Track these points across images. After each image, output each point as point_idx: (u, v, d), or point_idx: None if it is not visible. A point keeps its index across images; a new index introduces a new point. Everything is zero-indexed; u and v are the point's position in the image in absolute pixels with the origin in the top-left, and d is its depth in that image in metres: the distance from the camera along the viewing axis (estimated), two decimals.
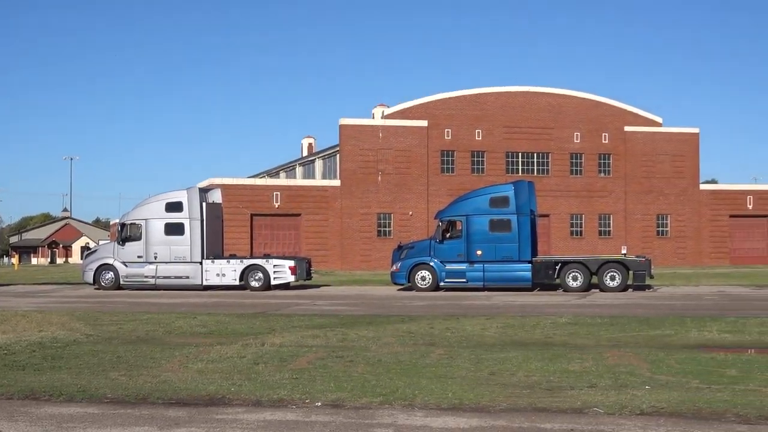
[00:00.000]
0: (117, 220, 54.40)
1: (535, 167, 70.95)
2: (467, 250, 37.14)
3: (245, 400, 11.85)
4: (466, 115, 69.31)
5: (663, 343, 17.75)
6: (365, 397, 11.85)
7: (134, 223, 40.25)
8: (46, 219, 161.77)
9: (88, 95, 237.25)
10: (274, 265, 39.16)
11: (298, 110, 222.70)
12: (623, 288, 36.13)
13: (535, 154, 71.09)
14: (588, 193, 71.92)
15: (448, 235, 37.82)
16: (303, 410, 11.22)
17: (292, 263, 39.43)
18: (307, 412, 11.12)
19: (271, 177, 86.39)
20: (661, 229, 73.46)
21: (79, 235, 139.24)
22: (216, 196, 42.79)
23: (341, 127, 67.32)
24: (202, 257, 39.50)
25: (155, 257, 39.47)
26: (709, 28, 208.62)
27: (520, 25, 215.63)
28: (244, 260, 40.27)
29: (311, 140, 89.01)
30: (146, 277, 39.54)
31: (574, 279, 36.36)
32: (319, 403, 11.57)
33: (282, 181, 74.54)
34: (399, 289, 38.45)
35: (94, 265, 40.51)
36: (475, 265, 37.03)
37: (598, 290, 36.28)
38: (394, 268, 38.39)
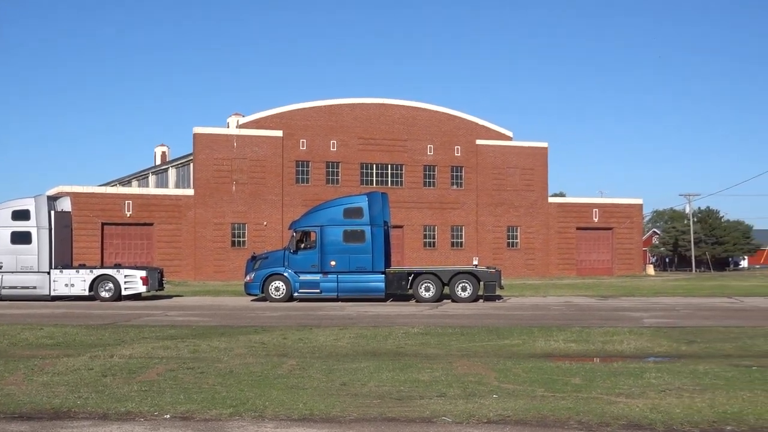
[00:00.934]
0: None
1: (390, 179, 71.59)
2: (321, 261, 37.22)
3: (91, 414, 11.60)
4: (322, 125, 69.51)
5: (511, 353, 18.11)
6: (215, 408, 11.76)
7: None
8: None
9: None
10: (126, 276, 38.42)
11: (152, 118, 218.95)
12: (474, 298, 36.74)
13: (390, 166, 71.72)
14: (441, 204, 72.95)
15: (302, 245, 37.82)
16: (151, 423, 11.05)
17: (143, 273, 38.77)
18: (155, 425, 10.96)
19: (123, 186, 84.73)
20: (511, 240, 75.06)
21: None
22: (65, 205, 41.80)
23: (195, 135, 66.60)
24: (50, 267, 38.46)
25: (0, 267, 38.26)
26: (557, 46, 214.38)
27: (375, 37, 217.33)
28: (94, 270, 39.37)
29: (165, 149, 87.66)
30: None
31: (427, 290, 36.79)
32: (168, 416, 11.42)
33: (134, 189, 73.17)
34: (253, 300, 38.23)
35: None
36: (329, 276, 37.12)
37: (450, 300, 36.79)
38: (248, 278, 38.17)
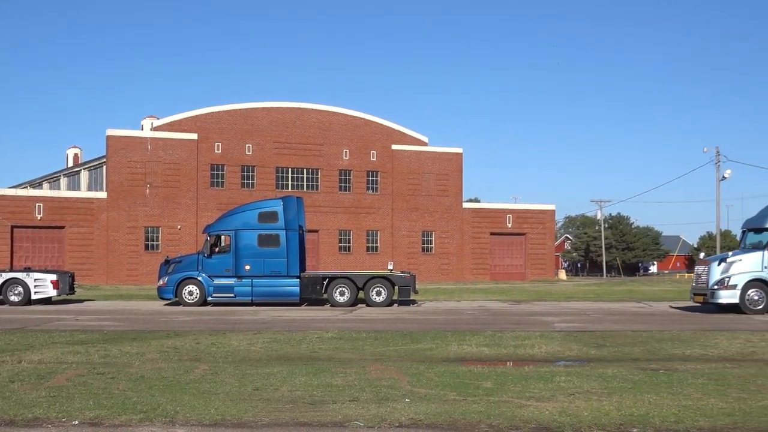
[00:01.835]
0: None
1: (305, 183, 71.51)
2: (236, 265, 37.00)
3: None
4: (237, 129, 69.17)
5: (424, 357, 18.21)
6: (125, 414, 11.62)
7: None
8: None
9: None
10: (35, 279, 37.71)
11: (64, 120, 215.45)
12: (389, 303, 36.83)
13: (305, 170, 71.65)
14: (356, 209, 73.08)
15: (216, 249, 37.56)
16: (59, 429, 10.89)
17: (54, 277, 38.10)
18: (63, 431, 10.81)
19: (33, 188, 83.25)
20: (426, 245, 75.48)
21: None
22: None
23: (108, 138, 65.76)
24: None
25: None
26: (472, 52, 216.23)
27: (291, 42, 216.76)
28: (3, 274, 38.52)
29: (77, 150, 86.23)
30: None
31: (342, 294, 36.78)
32: (77, 422, 11.25)
33: (45, 192, 71.80)
34: (166, 304, 37.83)
35: None
36: (244, 280, 36.92)
37: (364, 305, 36.85)
38: (161, 282, 37.78)
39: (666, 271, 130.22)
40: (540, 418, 11.54)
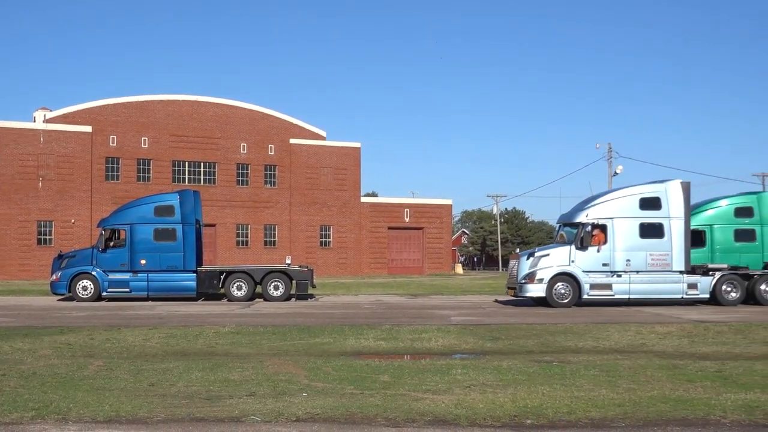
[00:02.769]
0: None
1: (202, 177, 70.91)
2: (131, 260, 36.52)
3: None
4: (132, 122, 68.24)
5: (322, 351, 18.25)
6: (16, 412, 11.40)
7: None
8: None
9: None
10: None
11: None
12: (287, 297, 36.80)
13: (202, 164, 71.05)
14: (254, 203, 72.73)
15: (111, 244, 37.04)
16: None
17: None
18: None
19: None
20: (324, 239, 75.50)
21: None
22: None
23: None
24: None
25: None
26: (370, 48, 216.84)
27: (188, 35, 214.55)
28: None
29: None
30: None
31: (239, 288, 36.62)
32: None
33: None
34: (59, 300, 37.18)
35: None
36: (140, 275, 36.46)
37: (262, 299, 36.73)
38: (54, 277, 37.10)
39: None
40: (436, 410, 11.66)
